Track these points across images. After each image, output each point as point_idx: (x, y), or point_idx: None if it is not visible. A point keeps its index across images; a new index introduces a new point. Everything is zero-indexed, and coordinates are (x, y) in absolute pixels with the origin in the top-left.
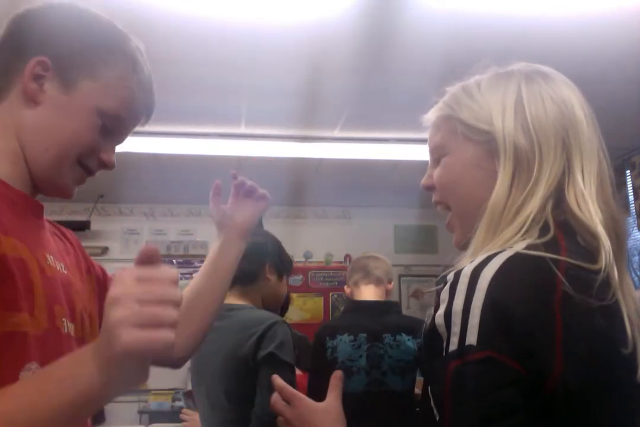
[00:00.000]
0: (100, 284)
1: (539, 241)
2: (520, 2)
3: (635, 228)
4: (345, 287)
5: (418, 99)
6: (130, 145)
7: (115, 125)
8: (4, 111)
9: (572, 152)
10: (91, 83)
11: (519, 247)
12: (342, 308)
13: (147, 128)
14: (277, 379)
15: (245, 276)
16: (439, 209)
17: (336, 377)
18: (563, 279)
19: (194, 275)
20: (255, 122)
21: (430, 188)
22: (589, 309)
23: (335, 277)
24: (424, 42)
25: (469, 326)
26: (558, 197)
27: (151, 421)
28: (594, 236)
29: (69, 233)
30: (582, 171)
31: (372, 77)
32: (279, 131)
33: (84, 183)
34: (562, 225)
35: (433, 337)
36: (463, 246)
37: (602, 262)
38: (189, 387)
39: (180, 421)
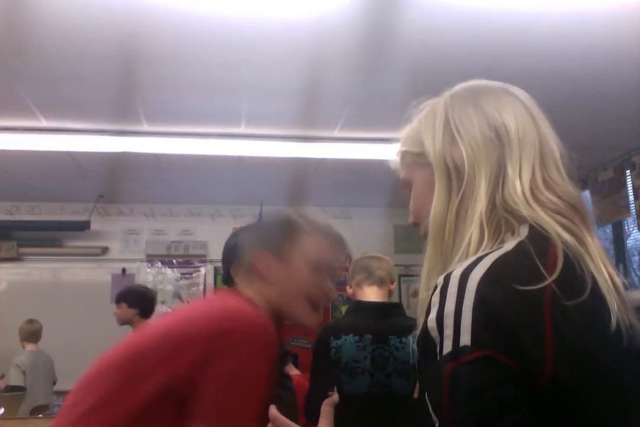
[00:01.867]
0: None
1: (525, 239)
2: None
3: (635, 228)
4: (347, 287)
5: (418, 99)
6: (130, 145)
7: None
8: None
9: (504, 151)
10: None
11: (510, 246)
12: (342, 308)
13: (147, 128)
14: (272, 409)
15: None
16: (419, 231)
17: (328, 404)
18: (551, 277)
19: (194, 275)
20: (255, 122)
21: (415, 225)
22: (577, 305)
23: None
24: (425, 41)
25: (462, 327)
26: (501, 195)
27: None
28: (526, 224)
29: None
30: (513, 164)
31: (372, 77)
32: (279, 131)
33: None
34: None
35: (427, 342)
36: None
37: (558, 245)
38: None
39: None
